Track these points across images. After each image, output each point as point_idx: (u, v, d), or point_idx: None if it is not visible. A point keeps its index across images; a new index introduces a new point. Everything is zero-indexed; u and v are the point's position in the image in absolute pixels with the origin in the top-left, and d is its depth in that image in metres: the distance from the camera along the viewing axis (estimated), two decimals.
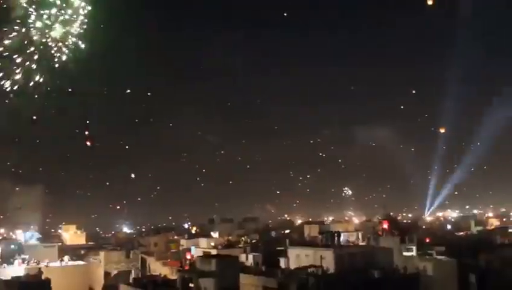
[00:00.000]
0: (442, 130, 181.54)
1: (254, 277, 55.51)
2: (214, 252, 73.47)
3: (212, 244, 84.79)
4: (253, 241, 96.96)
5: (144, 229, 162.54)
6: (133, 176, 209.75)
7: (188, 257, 77.16)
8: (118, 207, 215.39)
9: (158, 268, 74.27)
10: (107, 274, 76.40)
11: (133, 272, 74.95)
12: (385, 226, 69.35)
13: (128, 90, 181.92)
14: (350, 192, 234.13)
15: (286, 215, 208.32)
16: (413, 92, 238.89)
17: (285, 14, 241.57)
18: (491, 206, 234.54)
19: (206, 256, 59.10)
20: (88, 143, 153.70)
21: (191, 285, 49.49)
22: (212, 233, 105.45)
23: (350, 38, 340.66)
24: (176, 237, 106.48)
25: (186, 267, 64.48)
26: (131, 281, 61.82)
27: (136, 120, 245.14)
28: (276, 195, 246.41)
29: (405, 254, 62.36)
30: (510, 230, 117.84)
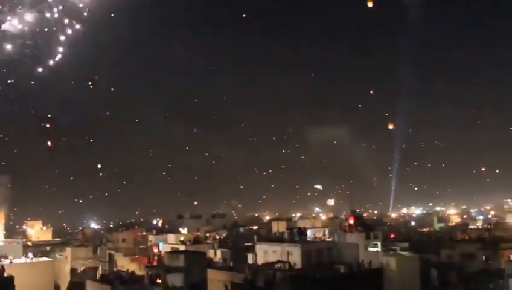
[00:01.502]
0: (391, 127, 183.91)
1: (222, 272, 56.07)
2: (182, 248, 73.76)
3: (182, 239, 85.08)
4: (222, 237, 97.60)
5: (111, 225, 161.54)
6: (99, 166, 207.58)
7: (156, 251, 77.46)
8: (81, 201, 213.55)
9: (126, 264, 74.15)
10: (73, 270, 75.93)
11: (100, 268, 74.77)
12: (351, 221, 70.48)
13: (91, 85, 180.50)
14: (320, 188, 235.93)
15: (256, 214, 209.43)
16: (371, 92, 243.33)
17: (244, 16, 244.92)
18: (453, 203, 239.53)
19: (174, 252, 59.27)
20: (49, 143, 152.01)
21: (159, 281, 49.81)
22: (180, 229, 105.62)
23: (310, 39, 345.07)
24: (144, 233, 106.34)
25: (154, 263, 64.70)
26: (98, 277, 61.80)
27: (102, 114, 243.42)
28: (242, 191, 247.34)
29: (370, 249, 63.63)
30: (470, 226, 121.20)
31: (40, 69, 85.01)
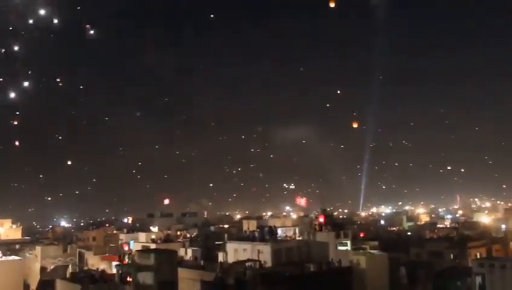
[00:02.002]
0: (355, 125, 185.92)
1: (192, 270, 55.94)
2: (153, 246, 73.42)
3: (153, 237, 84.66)
4: (193, 235, 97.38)
5: (82, 224, 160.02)
6: (69, 162, 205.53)
7: (126, 249, 76.93)
8: (50, 199, 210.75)
9: (96, 262, 73.42)
10: (43, 269, 74.95)
11: (70, 266, 74.01)
12: (321, 220, 71.00)
13: (59, 81, 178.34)
14: (291, 186, 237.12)
15: (227, 212, 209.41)
16: (338, 92, 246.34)
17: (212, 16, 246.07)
18: (422, 202, 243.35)
19: (145, 250, 58.93)
20: (17, 143, 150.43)
21: (129, 279, 49.47)
22: (151, 227, 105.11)
23: (279, 39, 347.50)
24: (115, 232, 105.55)
25: (125, 262, 64.24)
26: (68, 275, 61.13)
27: (73, 112, 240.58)
28: (212, 190, 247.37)
29: (340, 248, 64.24)
30: (439, 225, 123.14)
31: None
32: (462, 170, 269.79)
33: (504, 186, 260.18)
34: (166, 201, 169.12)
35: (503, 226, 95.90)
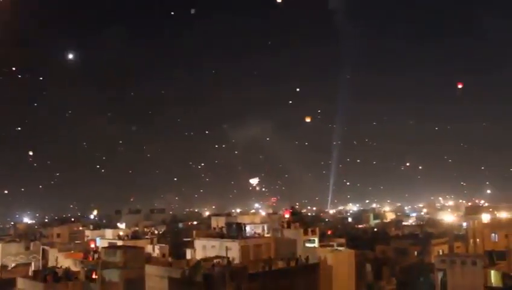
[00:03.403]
0: (308, 120, 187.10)
1: (160, 267, 55.70)
2: (120, 243, 72.80)
3: (121, 233, 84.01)
4: (161, 232, 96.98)
5: (46, 220, 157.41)
6: (31, 153, 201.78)
7: (92, 246, 76.11)
8: (6, 192, 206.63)
9: (61, 260, 72.41)
10: (4, 267, 73.41)
11: (33, 264, 72.71)
12: (287, 216, 71.57)
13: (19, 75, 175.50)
14: (255, 183, 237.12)
15: (196, 209, 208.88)
16: (297, 89, 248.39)
17: (172, 13, 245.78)
18: (388, 201, 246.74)
19: (111, 247, 58.42)
20: None
21: (95, 276, 49.06)
22: (118, 224, 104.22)
23: (242, 36, 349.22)
24: (80, 228, 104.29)
25: (91, 259, 63.64)
26: (30, 273, 60.09)
27: (35, 104, 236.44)
28: (179, 185, 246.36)
29: (308, 245, 64.82)
30: (404, 223, 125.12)
31: None
32: (420, 167, 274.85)
33: (463, 183, 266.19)
34: (132, 199, 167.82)
35: (465, 224, 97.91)
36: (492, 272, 49.51)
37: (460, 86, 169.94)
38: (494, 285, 48.61)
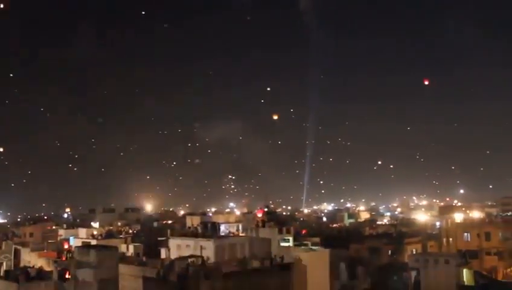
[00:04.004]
0: (275, 117, 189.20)
1: (134, 267, 55.38)
2: (93, 242, 72.15)
3: (95, 233, 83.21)
4: (135, 231, 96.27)
5: (19, 219, 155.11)
6: (1, 150, 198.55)
7: (66, 247, 75.23)
8: None
9: (33, 259, 71.52)
10: None
11: (4, 264, 71.75)
12: (259, 215, 71.77)
13: None
14: (232, 183, 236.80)
15: (170, 208, 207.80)
16: (268, 89, 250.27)
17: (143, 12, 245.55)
18: (363, 200, 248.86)
19: (85, 246, 57.81)
20: None
21: (68, 276, 48.51)
22: (92, 223, 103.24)
23: (212, 34, 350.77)
24: (54, 227, 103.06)
25: (64, 258, 62.91)
26: (2, 273, 59.19)
27: (6, 101, 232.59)
28: (152, 184, 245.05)
29: (282, 244, 64.96)
30: (378, 222, 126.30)
31: None
32: (391, 166, 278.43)
33: (435, 183, 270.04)
34: (105, 197, 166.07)
35: (438, 223, 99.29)
36: (465, 271, 50.19)
37: (426, 83, 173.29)
38: (466, 284, 49.30)
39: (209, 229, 70.83)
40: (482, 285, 50.25)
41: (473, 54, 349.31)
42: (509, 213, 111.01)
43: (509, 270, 71.01)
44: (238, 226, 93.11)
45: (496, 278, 64.26)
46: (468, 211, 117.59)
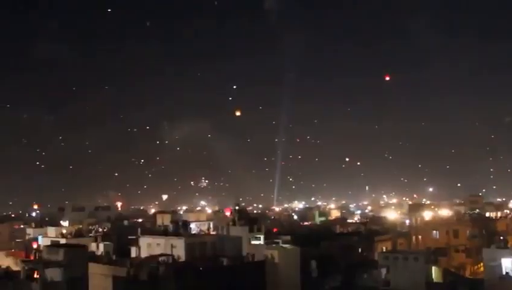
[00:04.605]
0: (238, 113, 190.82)
1: (103, 266, 54.81)
2: (62, 241, 71.26)
3: (64, 231, 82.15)
4: (105, 230, 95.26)
5: None
6: None
7: (35, 246, 74.16)
8: None
9: (1, 259, 70.31)
10: None
11: None
12: (227, 213, 71.89)
13: None
14: (201, 181, 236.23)
15: (141, 206, 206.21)
16: (234, 87, 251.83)
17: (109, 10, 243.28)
18: (334, 198, 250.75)
19: (54, 245, 57.04)
20: None
21: (37, 276, 47.82)
22: (61, 222, 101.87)
23: (181, 34, 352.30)
24: (22, 226, 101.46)
25: (32, 258, 61.98)
26: None
27: None
28: (121, 182, 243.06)
29: (253, 242, 65.07)
30: (349, 220, 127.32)
31: None
32: (358, 163, 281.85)
33: (405, 180, 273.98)
34: (74, 195, 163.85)
35: (407, 221, 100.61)
36: (434, 268, 50.98)
37: (387, 78, 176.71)
38: (435, 281, 50.07)
39: (180, 228, 70.59)
40: (450, 282, 51.11)
41: (440, 53, 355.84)
42: (476, 211, 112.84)
43: (476, 267, 72.27)
44: (209, 225, 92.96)
45: (463, 275, 65.42)
46: (437, 209, 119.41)
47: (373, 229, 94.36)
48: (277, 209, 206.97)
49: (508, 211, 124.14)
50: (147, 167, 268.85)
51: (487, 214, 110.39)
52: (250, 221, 71.06)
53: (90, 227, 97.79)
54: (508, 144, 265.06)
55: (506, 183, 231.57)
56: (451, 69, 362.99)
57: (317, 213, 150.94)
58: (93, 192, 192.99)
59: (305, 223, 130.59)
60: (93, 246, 67.65)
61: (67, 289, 45.14)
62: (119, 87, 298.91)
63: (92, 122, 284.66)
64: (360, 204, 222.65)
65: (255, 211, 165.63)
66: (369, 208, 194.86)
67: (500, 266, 50.55)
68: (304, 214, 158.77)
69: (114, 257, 62.06)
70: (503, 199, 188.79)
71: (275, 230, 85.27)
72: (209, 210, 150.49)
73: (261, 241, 65.68)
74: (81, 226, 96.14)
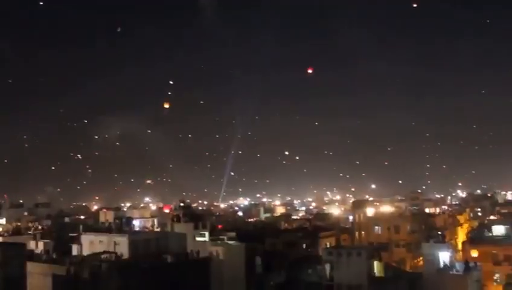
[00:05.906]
0: (166, 106, 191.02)
1: (43, 264, 53.28)
2: (0, 239, 68.87)
3: (1, 229, 79.38)
4: (45, 227, 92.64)
5: None
6: None
7: None
8: None
9: None
10: None
11: None
12: (166, 211, 71.28)
13: None
14: (144, 177, 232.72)
15: (84, 203, 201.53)
16: (171, 82, 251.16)
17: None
18: (279, 195, 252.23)
19: None
20: None
21: None
22: None
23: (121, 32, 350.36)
24: None
25: None
26: None
27: None
28: (61, 178, 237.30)
29: (198, 239, 64.68)
30: (293, 217, 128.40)
31: None
32: (297, 158, 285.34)
33: (343, 175, 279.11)
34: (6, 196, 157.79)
35: (351, 217, 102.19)
36: (376, 263, 51.86)
37: (310, 71, 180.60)
38: (377, 275, 50.97)
39: (124, 225, 69.40)
40: (391, 276, 52.16)
41: (377, 50, 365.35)
42: (416, 207, 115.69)
43: (416, 261, 74.11)
44: (153, 221, 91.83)
45: (404, 269, 66.91)
46: (379, 205, 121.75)
47: (317, 225, 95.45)
48: (222, 205, 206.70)
49: (446, 207, 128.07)
50: (87, 162, 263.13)
51: (426, 210, 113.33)
52: (195, 218, 70.62)
53: (30, 224, 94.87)
54: (444, 142, 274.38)
55: (442, 181, 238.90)
56: (389, 66, 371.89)
57: (262, 210, 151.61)
58: (32, 188, 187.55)
59: (250, 219, 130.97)
60: (32, 244, 65.56)
61: (4, 289, 43.57)
62: (55, 82, 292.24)
63: (29, 117, 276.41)
64: (304, 201, 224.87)
65: (200, 208, 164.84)
66: (314, 204, 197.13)
67: (438, 259, 52.28)
68: (249, 210, 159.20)
69: (54, 255, 60.30)
70: (442, 196, 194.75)
71: (220, 227, 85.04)
72: (153, 207, 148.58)
73: (206, 238, 65.38)
74: (19, 223, 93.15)
